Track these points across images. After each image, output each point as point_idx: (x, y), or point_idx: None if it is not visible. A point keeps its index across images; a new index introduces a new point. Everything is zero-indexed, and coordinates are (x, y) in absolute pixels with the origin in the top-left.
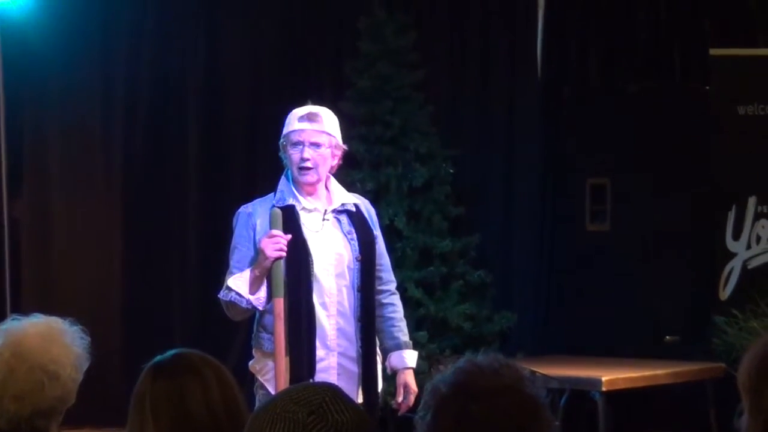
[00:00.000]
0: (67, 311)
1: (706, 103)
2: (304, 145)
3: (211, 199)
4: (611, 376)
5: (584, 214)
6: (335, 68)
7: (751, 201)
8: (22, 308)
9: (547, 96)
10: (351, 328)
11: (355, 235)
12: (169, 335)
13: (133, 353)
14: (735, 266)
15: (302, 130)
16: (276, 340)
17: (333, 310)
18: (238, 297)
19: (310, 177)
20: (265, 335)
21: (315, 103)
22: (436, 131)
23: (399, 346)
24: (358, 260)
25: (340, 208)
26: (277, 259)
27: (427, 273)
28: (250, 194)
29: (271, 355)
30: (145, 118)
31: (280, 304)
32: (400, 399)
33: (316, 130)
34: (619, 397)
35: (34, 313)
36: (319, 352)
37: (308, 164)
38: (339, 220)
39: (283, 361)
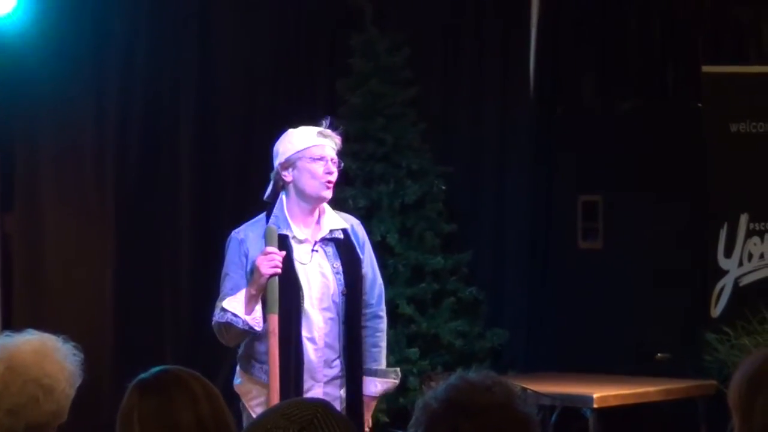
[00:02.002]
0: (58, 327)
1: (698, 121)
2: (327, 160)
3: (204, 217)
4: (602, 393)
5: (576, 231)
6: (328, 85)
7: (743, 218)
8: (12, 324)
9: (539, 114)
10: (336, 356)
11: (341, 269)
12: (160, 353)
13: (123, 371)
14: (727, 283)
15: (323, 146)
16: (270, 357)
17: (321, 343)
18: (234, 317)
19: (329, 192)
20: (256, 364)
21: (307, 122)
22: (428, 148)
23: (373, 373)
24: (343, 294)
25: (329, 236)
26: (272, 276)
27: (419, 290)
28: (244, 212)
29: (260, 383)
30: (138, 133)
31: (274, 320)
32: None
33: (333, 147)
34: (610, 414)
35: (28, 329)
36: (306, 384)
37: (333, 179)
38: (326, 252)
39: (277, 379)
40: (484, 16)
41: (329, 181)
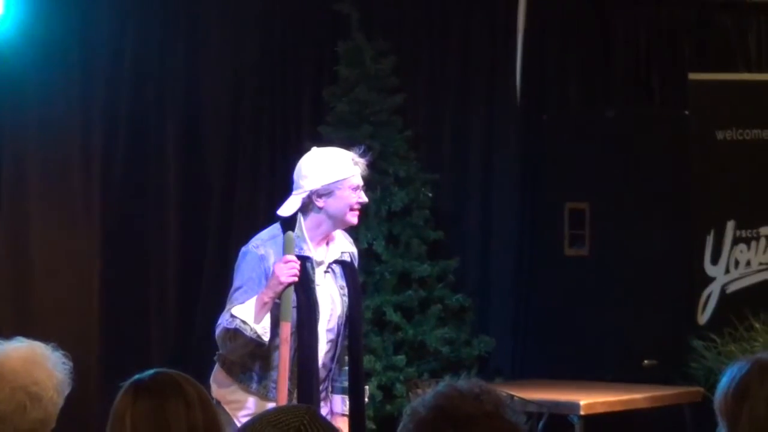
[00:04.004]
0: (44, 333)
1: (685, 128)
2: (360, 189)
3: (191, 222)
4: (589, 400)
5: (563, 238)
6: (315, 93)
7: (730, 225)
8: None
9: (526, 120)
10: (326, 374)
11: (347, 290)
12: (146, 358)
13: (110, 376)
14: (713, 291)
15: (357, 174)
16: (280, 364)
17: (320, 362)
18: (242, 324)
19: (357, 219)
20: (255, 377)
21: (296, 130)
22: (415, 156)
23: (342, 391)
24: (346, 316)
25: (339, 258)
26: (290, 284)
27: (406, 297)
28: (230, 217)
29: (256, 394)
30: (125, 137)
31: (287, 328)
32: None
33: (362, 172)
34: (597, 421)
35: (17, 337)
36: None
37: (363, 207)
38: (334, 272)
39: (286, 388)
40: (470, 22)
41: (359, 210)
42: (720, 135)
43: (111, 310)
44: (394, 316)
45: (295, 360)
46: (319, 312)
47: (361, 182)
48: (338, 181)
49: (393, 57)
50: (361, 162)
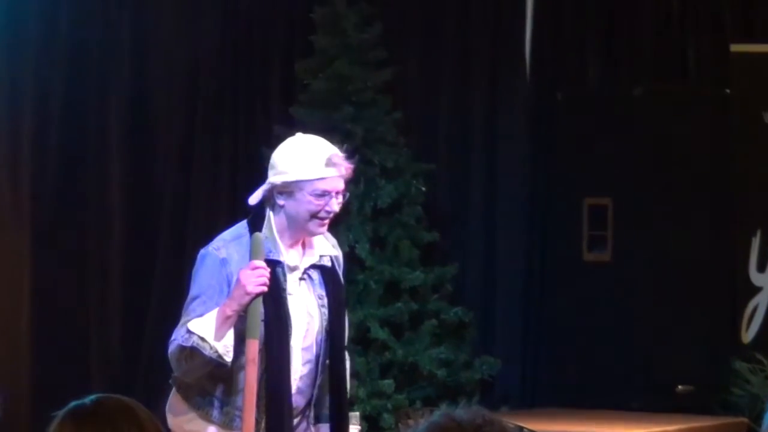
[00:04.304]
0: None
1: (726, 109)
2: (331, 197)
3: (137, 224)
4: None
5: (581, 240)
6: (285, 68)
7: None
8: None
9: (537, 100)
10: (306, 402)
11: (326, 300)
12: (84, 385)
13: (41, 402)
14: (760, 303)
15: (330, 179)
16: (246, 388)
17: (294, 387)
18: (201, 342)
19: (324, 229)
20: (216, 404)
21: (264, 112)
22: (405, 142)
23: (322, 419)
24: (326, 331)
25: (318, 263)
26: (258, 294)
27: (394, 310)
28: (185, 217)
29: (218, 424)
30: (58, 127)
31: (254, 346)
32: None
33: (341, 176)
34: None
35: None
36: None
37: (332, 215)
38: (311, 279)
39: (253, 417)
40: None
41: (326, 220)
42: (767, 117)
43: (43, 324)
44: (380, 333)
45: (263, 384)
46: (291, 326)
47: (333, 187)
48: (299, 181)
49: (379, 24)
50: (343, 164)
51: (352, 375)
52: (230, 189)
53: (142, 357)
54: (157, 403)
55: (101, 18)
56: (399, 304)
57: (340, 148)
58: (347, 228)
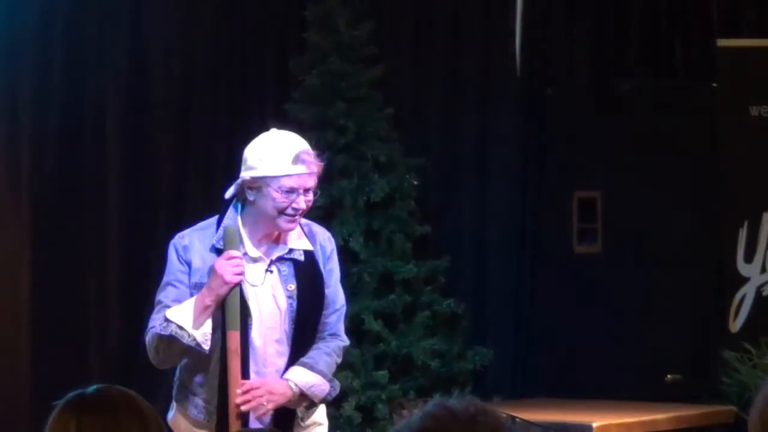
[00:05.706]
0: None
1: (713, 103)
2: (299, 194)
3: (135, 222)
4: (603, 421)
5: (571, 233)
6: (279, 64)
7: (766, 217)
8: None
9: (527, 95)
10: None
11: (296, 293)
12: (84, 380)
13: (40, 393)
14: (747, 293)
15: (298, 176)
16: (231, 380)
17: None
18: (179, 331)
19: (294, 225)
20: (193, 399)
21: (259, 109)
22: (397, 137)
23: (299, 364)
24: (294, 322)
25: (287, 255)
26: (236, 284)
27: (388, 302)
28: (182, 213)
29: (201, 424)
30: (57, 124)
31: (236, 338)
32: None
33: (311, 173)
34: None
35: None
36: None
37: (301, 212)
38: (281, 271)
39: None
40: None
41: (293, 217)
42: (754, 111)
43: (42, 319)
44: (374, 325)
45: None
46: (251, 315)
47: (301, 184)
48: (266, 177)
49: (371, 21)
50: (313, 162)
51: (345, 367)
52: (226, 186)
53: (142, 356)
54: (156, 402)
55: (98, 17)
56: (392, 297)
57: (331, 144)
58: (341, 222)
